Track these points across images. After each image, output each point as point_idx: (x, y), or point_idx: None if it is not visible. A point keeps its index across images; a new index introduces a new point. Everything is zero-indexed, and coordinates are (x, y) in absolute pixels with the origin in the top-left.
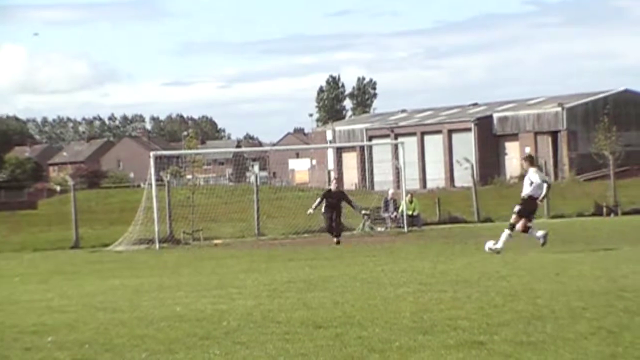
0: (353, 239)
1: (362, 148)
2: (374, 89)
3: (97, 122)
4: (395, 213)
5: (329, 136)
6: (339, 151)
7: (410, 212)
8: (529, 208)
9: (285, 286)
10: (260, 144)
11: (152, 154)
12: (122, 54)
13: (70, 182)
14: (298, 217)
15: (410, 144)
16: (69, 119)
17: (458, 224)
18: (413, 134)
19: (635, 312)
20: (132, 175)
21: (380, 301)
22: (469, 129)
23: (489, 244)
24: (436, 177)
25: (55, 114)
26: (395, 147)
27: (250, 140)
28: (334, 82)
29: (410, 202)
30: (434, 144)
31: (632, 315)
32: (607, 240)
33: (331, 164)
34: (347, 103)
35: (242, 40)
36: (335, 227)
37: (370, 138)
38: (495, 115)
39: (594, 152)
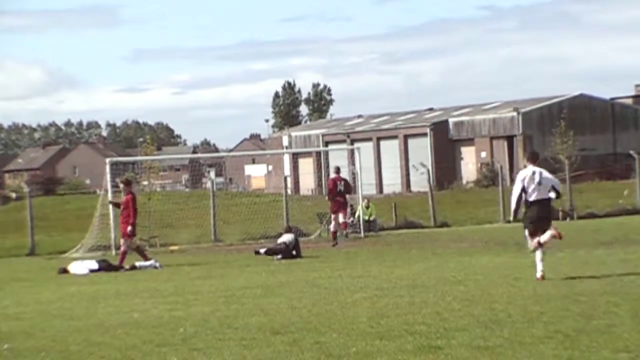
0: (310, 245)
1: (318, 154)
2: (330, 94)
3: (52, 129)
4: (351, 218)
5: (285, 142)
6: (295, 157)
7: (366, 217)
8: None
9: (242, 292)
10: (216, 150)
11: (107, 160)
12: (76, 60)
13: (26, 189)
14: (255, 222)
15: (366, 149)
16: (24, 126)
17: (415, 229)
18: (369, 139)
19: (591, 316)
20: (88, 181)
21: (337, 306)
22: (424, 134)
23: None
24: (392, 182)
25: (10, 121)
26: (352, 152)
27: (206, 146)
28: (289, 88)
29: (367, 207)
30: (390, 149)
31: (589, 319)
32: (563, 244)
33: (287, 170)
34: (303, 109)
35: (196, 46)
36: None
37: (326, 143)
38: (451, 120)
39: (550, 156)
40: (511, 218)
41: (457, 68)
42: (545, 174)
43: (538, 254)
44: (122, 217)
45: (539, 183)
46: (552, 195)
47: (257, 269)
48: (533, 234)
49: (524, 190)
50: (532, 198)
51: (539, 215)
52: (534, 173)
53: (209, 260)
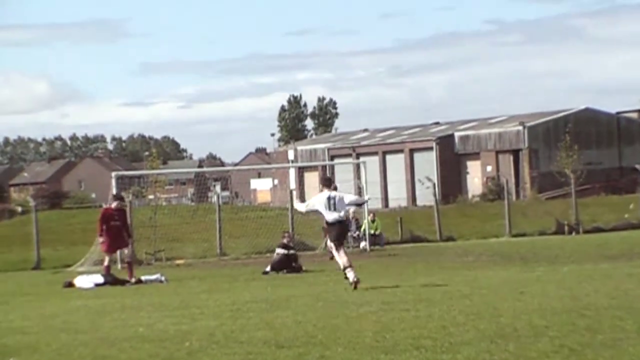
0: (315, 258)
1: (324, 167)
2: (335, 108)
3: (58, 143)
4: (357, 232)
5: (291, 156)
6: (301, 171)
7: (372, 231)
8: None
9: (247, 306)
10: (222, 164)
11: (113, 174)
12: (82, 74)
13: (32, 203)
14: (260, 236)
15: (372, 163)
16: (29, 139)
17: (420, 242)
18: (375, 153)
19: (597, 330)
20: (94, 195)
21: (343, 320)
22: (430, 148)
23: None
24: (398, 196)
25: (15, 134)
26: (357, 166)
27: (212, 160)
28: (295, 102)
29: (373, 221)
30: (396, 163)
31: (594, 334)
32: (569, 258)
33: (293, 184)
34: (309, 123)
35: (201, 59)
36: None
37: (332, 157)
38: (457, 134)
39: (556, 170)
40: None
41: (463, 82)
42: (339, 197)
43: (345, 264)
44: (121, 230)
45: (334, 207)
46: (353, 209)
47: (262, 283)
48: (338, 248)
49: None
50: (330, 220)
51: (339, 233)
52: (329, 197)
53: (215, 274)
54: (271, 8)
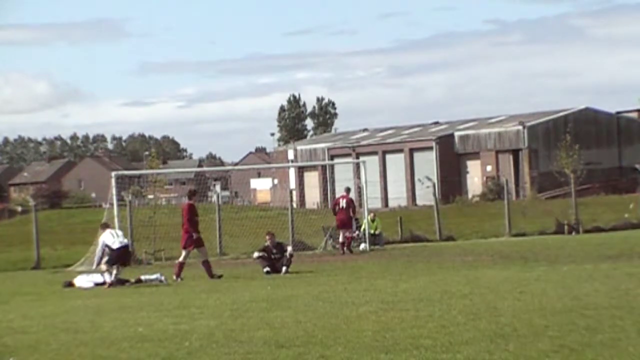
0: (315, 258)
1: (323, 167)
2: (334, 108)
3: (58, 142)
4: (357, 232)
5: (291, 155)
6: (301, 170)
7: (372, 231)
8: None
9: (247, 305)
10: (222, 164)
11: (113, 174)
12: (82, 74)
13: (32, 203)
14: (260, 236)
15: (371, 163)
16: (30, 139)
17: (420, 242)
18: (375, 152)
19: (596, 330)
20: (93, 195)
21: (343, 320)
22: (430, 148)
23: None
24: (398, 196)
25: (16, 134)
26: (357, 166)
27: (212, 159)
28: (295, 102)
29: (372, 220)
30: (396, 163)
31: (594, 333)
32: (569, 258)
33: (293, 184)
34: (309, 122)
35: (201, 59)
36: None
37: (331, 157)
38: (457, 134)
39: (556, 170)
40: (94, 267)
41: (463, 82)
42: (119, 232)
43: (114, 272)
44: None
45: (117, 236)
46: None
47: (262, 283)
48: (112, 266)
49: (107, 246)
50: (116, 246)
51: (121, 254)
52: (112, 234)
53: (215, 273)
54: (271, 8)
